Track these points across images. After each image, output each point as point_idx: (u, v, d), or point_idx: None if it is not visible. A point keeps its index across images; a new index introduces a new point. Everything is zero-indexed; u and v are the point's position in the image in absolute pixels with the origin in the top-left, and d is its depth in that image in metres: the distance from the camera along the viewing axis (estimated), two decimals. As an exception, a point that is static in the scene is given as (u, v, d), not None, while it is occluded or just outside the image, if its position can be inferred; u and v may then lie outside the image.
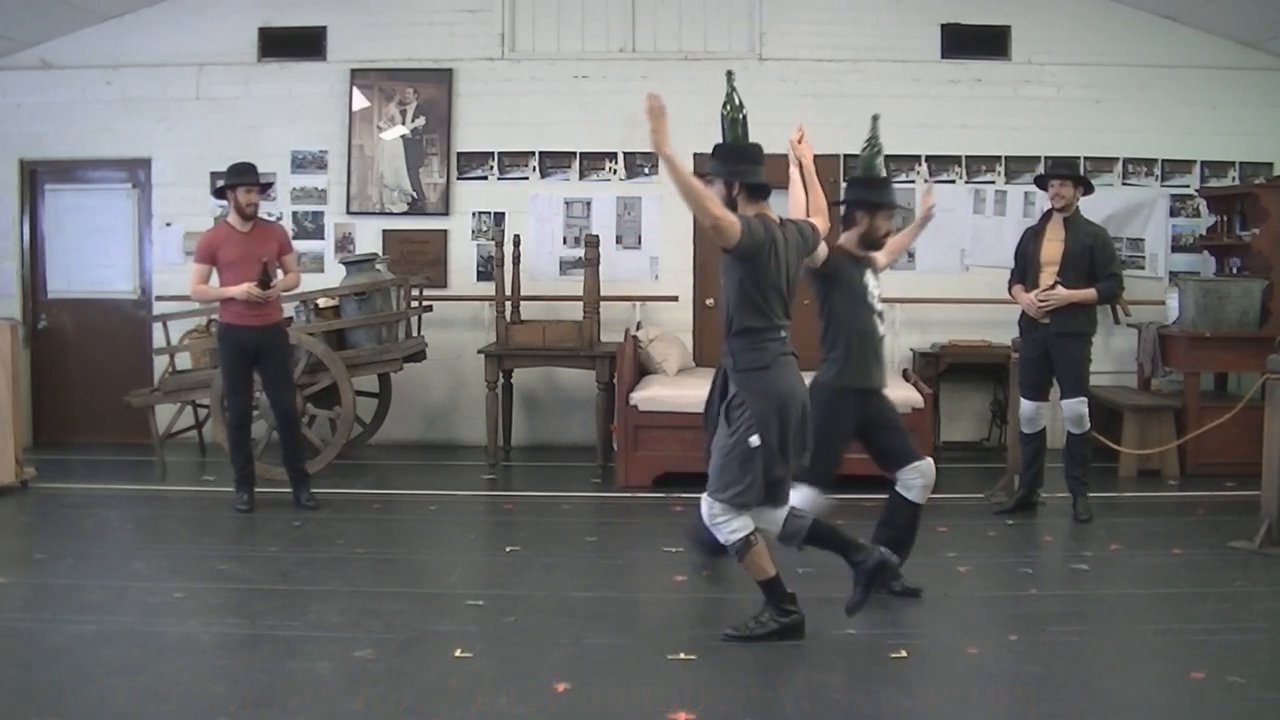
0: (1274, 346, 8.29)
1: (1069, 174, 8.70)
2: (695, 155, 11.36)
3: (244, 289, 8.48)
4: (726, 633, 5.89)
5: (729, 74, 6.14)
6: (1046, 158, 11.12)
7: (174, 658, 5.67)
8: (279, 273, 8.76)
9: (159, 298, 11.82)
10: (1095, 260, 8.47)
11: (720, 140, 5.99)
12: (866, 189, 6.58)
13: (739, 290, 5.71)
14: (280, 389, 8.91)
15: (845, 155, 11.43)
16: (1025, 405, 8.70)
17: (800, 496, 6.19)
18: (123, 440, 11.52)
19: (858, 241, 6.54)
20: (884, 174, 6.87)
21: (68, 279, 12.14)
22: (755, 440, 5.63)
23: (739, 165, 5.79)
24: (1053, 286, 8.45)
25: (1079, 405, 8.51)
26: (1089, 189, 8.88)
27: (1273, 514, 7.64)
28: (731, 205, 5.70)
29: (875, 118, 6.79)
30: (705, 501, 5.82)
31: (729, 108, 6.03)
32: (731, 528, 5.75)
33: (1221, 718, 4.99)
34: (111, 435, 11.67)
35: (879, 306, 6.54)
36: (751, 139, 6.01)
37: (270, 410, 9.12)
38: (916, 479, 6.48)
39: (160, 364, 10.96)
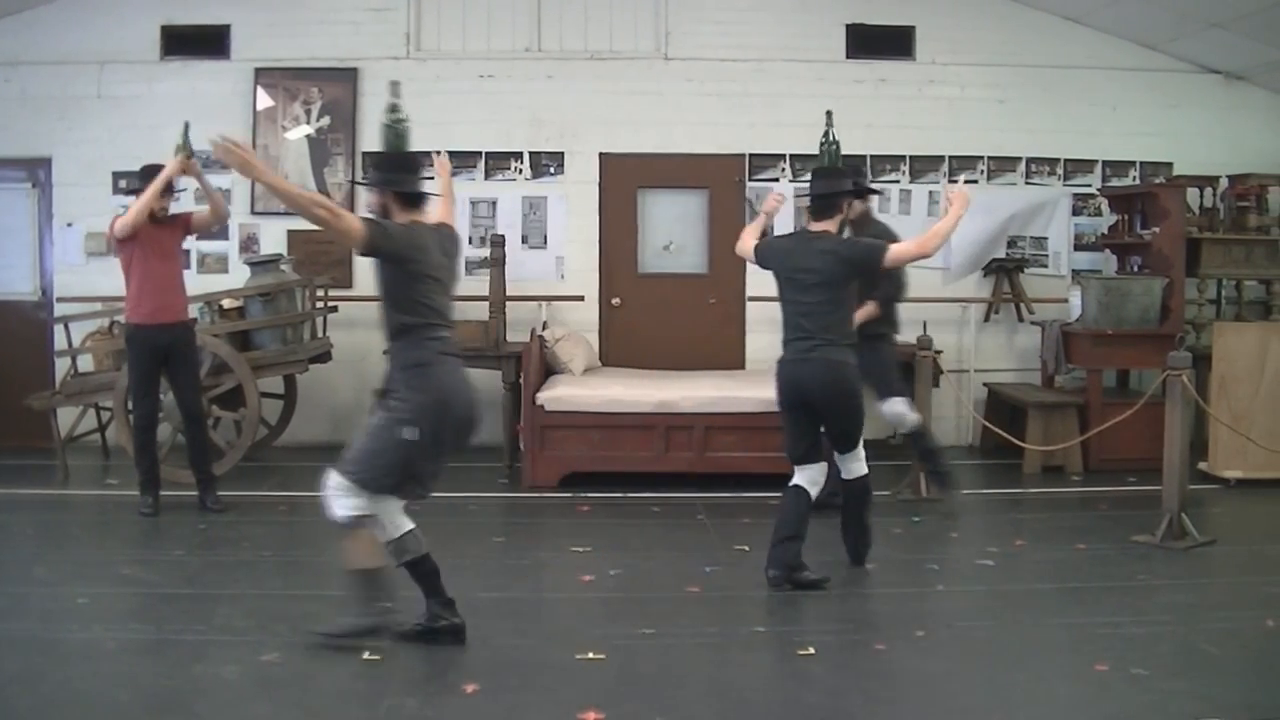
0: (1174, 343, 8.41)
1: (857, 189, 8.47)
2: (601, 154, 11.50)
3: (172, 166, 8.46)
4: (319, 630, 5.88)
5: (393, 84, 6.22)
6: (950, 157, 11.26)
7: (77, 664, 5.58)
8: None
9: (60, 299, 11.59)
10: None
11: (381, 148, 6.09)
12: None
13: (390, 292, 5.78)
14: (188, 390, 8.80)
15: (750, 155, 11.51)
16: (882, 409, 8.63)
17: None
18: (23, 444, 11.22)
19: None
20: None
21: (-35, 280, 11.89)
22: (410, 434, 5.62)
23: (392, 174, 5.89)
24: None
25: (894, 405, 8.55)
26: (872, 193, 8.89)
27: (1173, 508, 7.78)
28: (385, 213, 5.84)
29: (829, 113, 6.97)
30: (332, 475, 5.78)
31: (390, 115, 6.13)
32: (348, 503, 5.72)
33: (1125, 709, 5.08)
34: (12, 439, 11.36)
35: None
36: (414, 146, 6.12)
37: (176, 411, 9.02)
38: (805, 479, 6.90)
39: (62, 366, 10.76)
